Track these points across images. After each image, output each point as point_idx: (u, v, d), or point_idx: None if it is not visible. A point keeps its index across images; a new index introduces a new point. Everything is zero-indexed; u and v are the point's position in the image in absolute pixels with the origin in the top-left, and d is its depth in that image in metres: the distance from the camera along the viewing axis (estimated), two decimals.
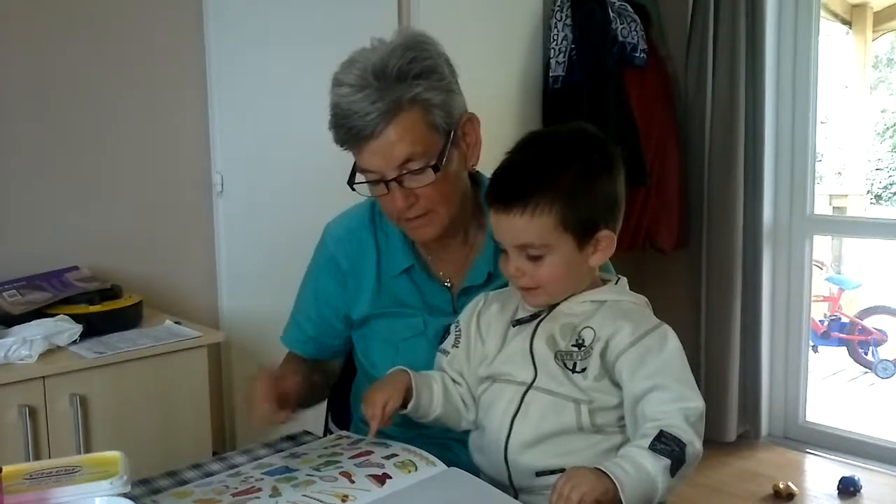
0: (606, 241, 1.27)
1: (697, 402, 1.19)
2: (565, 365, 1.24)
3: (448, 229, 1.43)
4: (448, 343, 1.39)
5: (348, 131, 1.34)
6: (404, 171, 1.34)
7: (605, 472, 1.10)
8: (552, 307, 1.29)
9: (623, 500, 1.09)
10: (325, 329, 1.57)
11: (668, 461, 1.13)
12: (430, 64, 1.36)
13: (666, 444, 1.13)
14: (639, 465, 1.12)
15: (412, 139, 1.33)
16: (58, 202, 2.33)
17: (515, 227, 1.23)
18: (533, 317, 1.30)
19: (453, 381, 1.35)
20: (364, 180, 1.39)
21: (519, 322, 1.30)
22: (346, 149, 1.38)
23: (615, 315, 1.25)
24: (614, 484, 1.09)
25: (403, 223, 1.42)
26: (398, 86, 1.32)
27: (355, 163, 1.40)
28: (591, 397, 1.22)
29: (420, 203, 1.37)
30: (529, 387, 1.26)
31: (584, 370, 1.23)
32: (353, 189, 1.42)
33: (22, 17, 2.23)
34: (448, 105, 1.37)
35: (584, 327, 1.25)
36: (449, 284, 1.51)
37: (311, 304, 1.57)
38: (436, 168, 1.35)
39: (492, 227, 1.28)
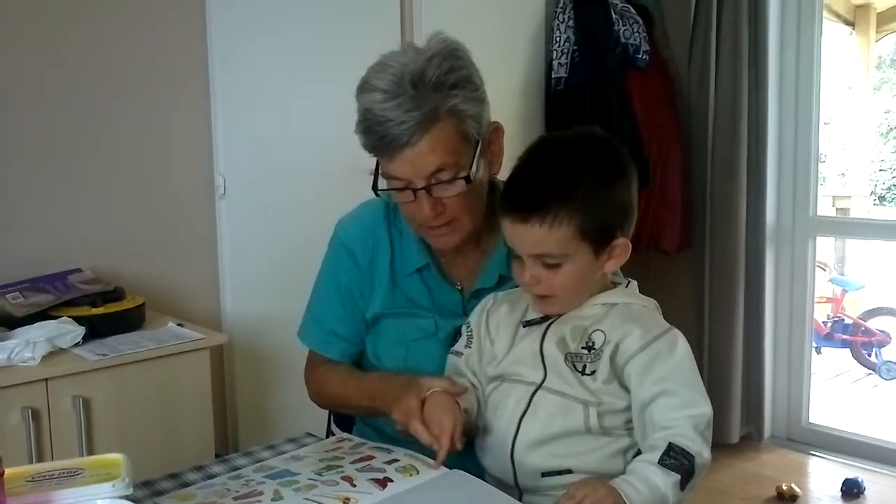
0: (621, 249, 1.27)
1: (705, 409, 1.19)
2: (575, 367, 1.24)
3: (468, 238, 1.43)
4: (461, 344, 1.40)
5: (381, 139, 1.32)
6: (433, 182, 1.33)
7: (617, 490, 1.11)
8: None
9: None
10: (356, 327, 1.54)
11: (678, 476, 1.13)
12: (465, 74, 1.35)
13: (675, 459, 1.14)
14: (650, 483, 1.13)
15: (445, 150, 1.32)
16: (60, 204, 2.33)
17: (533, 237, 1.23)
18: (544, 318, 1.30)
19: (473, 385, 1.36)
20: (389, 186, 1.37)
21: (529, 323, 1.31)
22: (374, 155, 1.37)
23: (625, 318, 1.25)
24: (625, 502, 1.10)
25: (425, 230, 1.42)
26: (435, 95, 1.30)
27: (377, 167, 1.39)
28: (599, 399, 1.23)
29: (446, 212, 1.37)
30: (539, 387, 1.26)
31: (593, 372, 1.23)
32: (377, 195, 1.41)
33: (24, 18, 2.23)
34: (480, 115, 1.37)
35: (595, 330, 1.25)
36: (460, 287, 1.51)
37: (335, 303, 1.54)
38: (468, 179, 1.34)
39: (506, 235, 1.27)
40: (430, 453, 1.29)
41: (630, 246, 1.28)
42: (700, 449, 1.16)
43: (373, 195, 1.45)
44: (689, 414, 1.17)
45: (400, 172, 1.34)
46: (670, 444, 1.15)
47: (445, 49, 1.35)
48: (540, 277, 1.25)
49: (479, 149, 1.37)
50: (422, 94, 1.30)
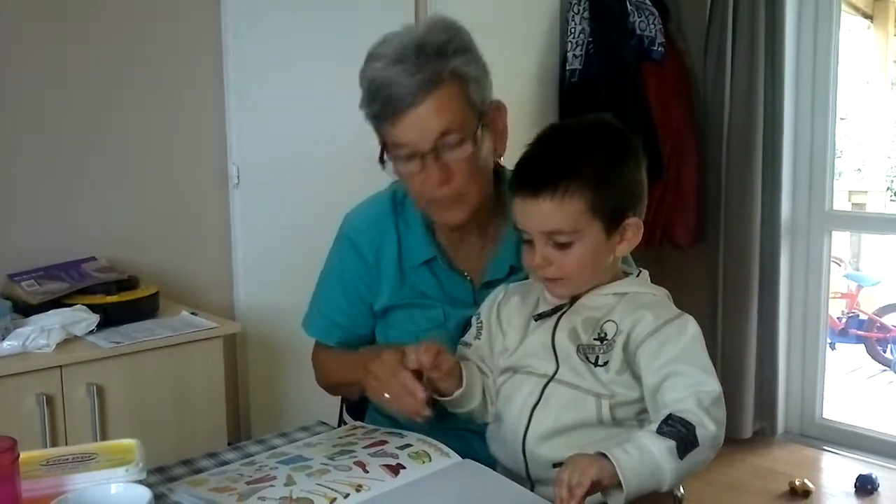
0: (633, 230, 1.26)
1: (712, 386, 1.17)
2: (587, 358, 1.24)
3: (475, 215, 1.42)
4: (470, 335, 1.40)
5: (385, 102, 1.32)
6: (440, 144, 1.33)
7: (606, 455, 1.09)
8: (573, 300, 1.28)
9: (621, 479, 1.06)
10: (357, 319, 1.55)
11: (672, 442, 1.10)
12: (465, 44, 1.37)
13: (672, 426, 1.11)
14: (642, 446, 1.10)
15: (449, 112, 1.32)
16: (75, 193, 2.34)
17: (545, 213, 1.22)
18: (555, 310, 1.29)
19: (482, 372, 1.35)
20: (395, 156, 1.37)
21: (541, 316, 1.30)
22: (378, 123, 1.37)
23: (636, 306, 1.25)
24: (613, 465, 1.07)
25: (433, 205, 1.41)
26: (437, 61, 1.32)
27: (384, 141, 1.38)
28: (612, 391, 1.22)
29: (454, 181, 1.35)
30: (551, 379, 1.25)
31: (606, 363, 1.23)
32: (383, 167, 1.40)
33: (41, 7, 2.24)
34: (483, 83, 1.38)
35: (607, 321, 1.25)
36: (469, 277, 1.50)
37: (339, 295, 1.56)
38: (475, 140, 1.34)
39: (516, 215, 1.26)
40: (445, 440, 1.29)
41: (642, 227, 1.27)
42: (702, 420, 1.12)
43: (380, 189, 1.45)
44: (695, 391, 1.15)
45: (405, 138, 1.33)
46: (670, 414, 1.13)
47: (444, 23, 1.38)
48: (551, 258, 1.24)
49: (483, 119, 1.37)
50: (424, 60, 1.31)
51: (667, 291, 1.32)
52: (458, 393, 1.29)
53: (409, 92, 1.30)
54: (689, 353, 1.20)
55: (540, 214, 1.22)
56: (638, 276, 1.33)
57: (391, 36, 1.37)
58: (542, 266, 1.25)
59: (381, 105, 1.33)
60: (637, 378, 1.22)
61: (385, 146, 1.39)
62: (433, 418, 1.28)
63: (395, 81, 1.31)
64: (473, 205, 1.40)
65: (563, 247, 1.23)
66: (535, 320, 1.31)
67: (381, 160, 1.40)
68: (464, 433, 1.39)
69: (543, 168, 1.24)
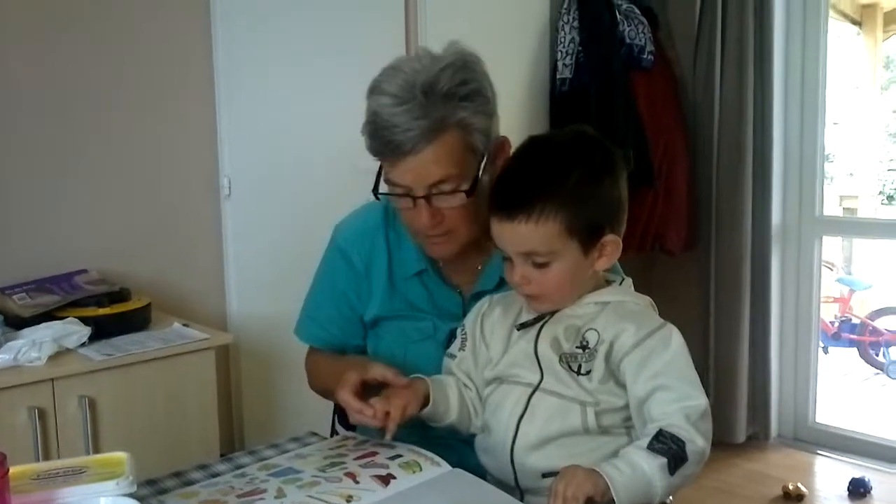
0: (612, 246, 1.26)
1: (699, 401, 1.18)
2: (570, 367, 1.24)
3: (465, 247, 1.43)
4: (455, 347, 1.40)
5: (386, 144, 1.31)
6: (434, 191, 1.33)
7: (599, 472, 1.10)
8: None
9: (615, 497, 1.09)
10: (347, 329, 1.56)
11: (664, 459, 1.12)
12: (476, 87, 1.34)
13: (663, 443, 1.13)
14: (634, 464, 1.12)
15: (449, 161, 1.31)
16: (67, 205, 2.34)
17: (520, 235, 1.22)
18: (537, 319, 1.29)
19: (464, 385, 1.36)
20: (389, 191, 1.37)
21: (523, 325, 1.30)
22: (377, 158, 1.37)
23: (619, 316, 1.25)
24: (606, 482, 1.09)
25: (421, 238, 1.42)
26: (444, 106, 1.30)
27: (380, 171, 1.38)
28: (597, 399, 1.22)
29: (445, 223, 1.36)
30: (536, 388, 1.26)
31: (588, 372, 1.23)
32: (377, 198, 1.41)
33: (30, 20, 2.25)
34: (488, 129, 1.36)
35: (588, 329, 1.25)
36: (460, 289, 1.51)
37: (329, 305, 1.56)
38: (469, 192, 1.33)
39: (494, 235, 1.26)
40: (434, 450, 1.30)
41: (620, 243, 1.27)
42: (692, 436, 1.14)
43: (371, 198, 1.45)
44: (682, 406, 1.16)
45: (402, 179, 1.34)
46: (660, 429, 1.14)
47: (460, 60, 1.34)
48: (530, 277, 1.24)
49: (483, 163, 1.36)
50: (431, 103, 1.29)
51: (650, 300, 1.32)
52: (425, 411, 1.30)
53: (410, 137, 1.29)
54: (674, 366, 1.20)
55: (515, 236, 1.23)
56: (621, 283, 1.33)
57: (403, 65, 1.34)
58: (521, 284, 1.26)
59: (382, 145, 1.32)
60: (622, 386, 1.22)
61: (381, 173, 1.39)
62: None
63: (397, 123, 1.29)
64: (462, 241, 1.40)
65: (540, 266, 1.23)
66: (518, 330, 1.31)
67: (375, 191, 1.40)
68: (452, 443, 1.38)
69: (518, 189, 1.23)
